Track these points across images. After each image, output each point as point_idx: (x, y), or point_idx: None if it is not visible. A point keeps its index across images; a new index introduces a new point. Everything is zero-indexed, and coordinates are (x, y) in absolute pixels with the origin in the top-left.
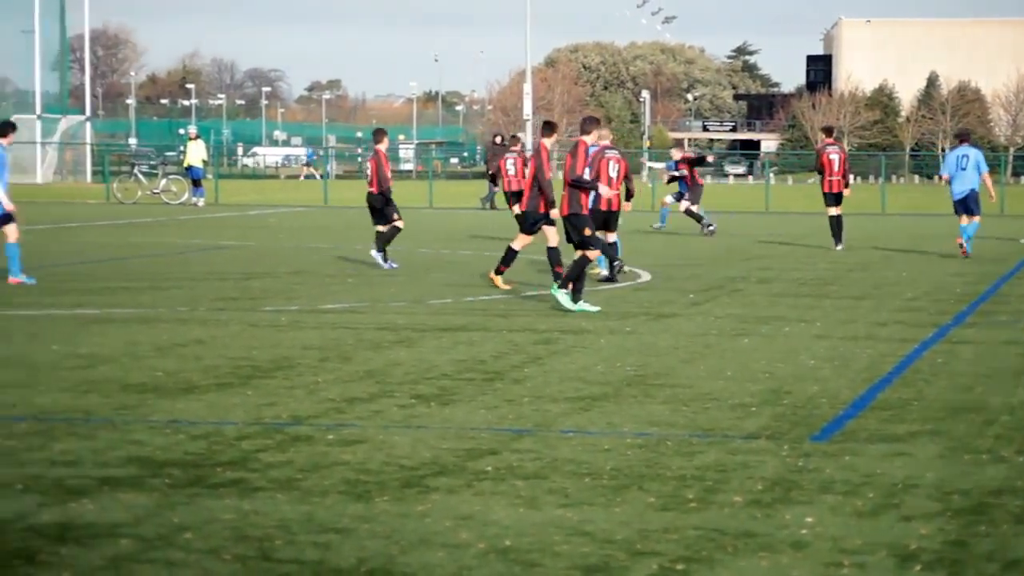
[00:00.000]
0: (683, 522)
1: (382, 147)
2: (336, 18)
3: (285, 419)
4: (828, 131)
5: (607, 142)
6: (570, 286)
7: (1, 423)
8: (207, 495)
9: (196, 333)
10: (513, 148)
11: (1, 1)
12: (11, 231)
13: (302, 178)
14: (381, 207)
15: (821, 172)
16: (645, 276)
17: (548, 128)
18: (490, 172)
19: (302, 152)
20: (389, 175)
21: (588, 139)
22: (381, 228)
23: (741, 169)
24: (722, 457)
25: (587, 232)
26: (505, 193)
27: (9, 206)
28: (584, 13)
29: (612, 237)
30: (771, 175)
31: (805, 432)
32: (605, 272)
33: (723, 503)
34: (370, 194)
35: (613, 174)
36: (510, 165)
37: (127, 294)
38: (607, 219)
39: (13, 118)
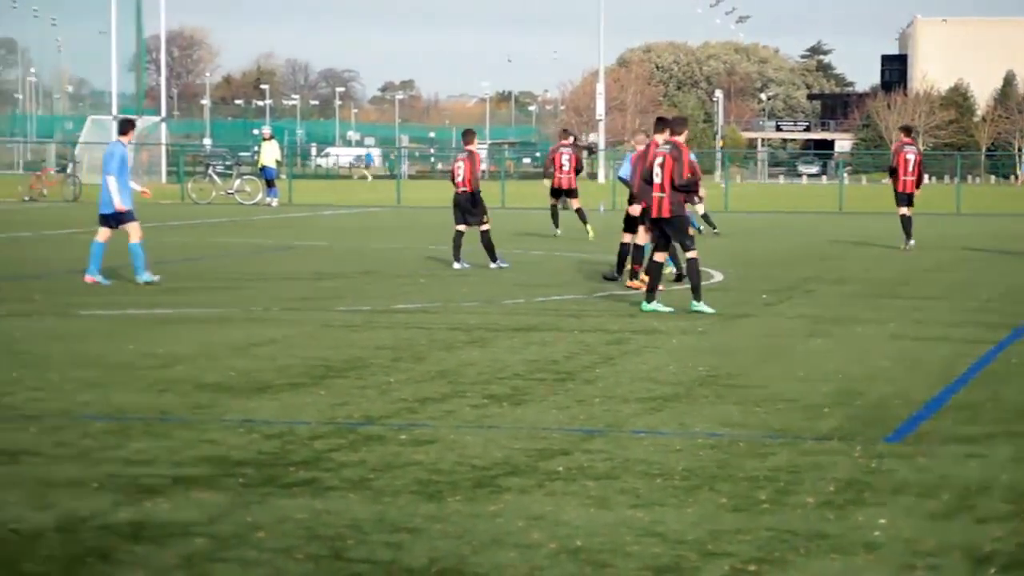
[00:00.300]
0: (755, 523)
1: (474, 147)
2: (410, 19)
3: (358, 419)
4: (907, 130)
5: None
6: (694, 293)
7: (78, 422)
8: (280, 494)
9: (270, 333)
10: (565, 143)
11: (79, 3)
12: (133, 230)
13: (356, 179)
14: (470, 206)
15: (894, 171)
16: (718, 276)
17: (663, 124)
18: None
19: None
20: (480, 175)
21: (681, 139)
22: (461, 227)
23: (815, 169)
24: (794, 458)
25: (691, 232)
26: (555, 189)
27: (121, 206)
28: (657, 13)
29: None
30: (845, 175)
31: (878, 433)
32: (674, 271)
33: (795, 504)
34: (460, 193)
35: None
36: (565, 160)
37: (203, 294)
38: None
39: (89, 119)
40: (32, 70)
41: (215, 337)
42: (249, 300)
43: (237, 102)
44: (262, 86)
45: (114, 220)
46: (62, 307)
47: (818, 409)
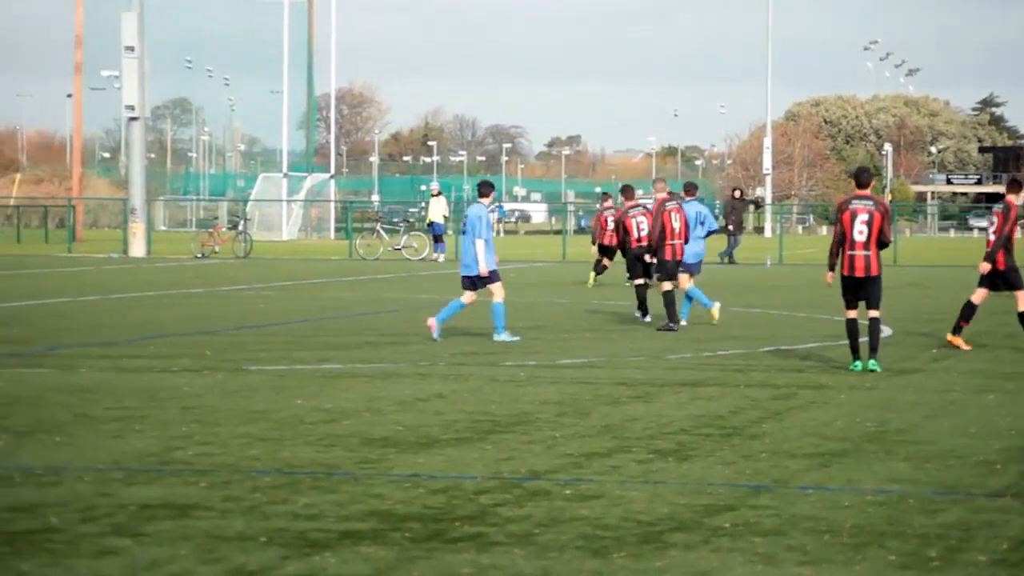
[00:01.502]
0: None
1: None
2: (576, 75)
3: (523, 474)
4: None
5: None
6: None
7: (247, 477)
8: (446, 549)
9: (436, 388)
10: (607, 205)
11: (251, 63)
12: (497, 290)
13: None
14: (641, 261)
15: None
16: (887, 331)
17: (1017, 186)
18: (599, 232)
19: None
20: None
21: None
22: (639, 281)
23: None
24: (966, 515)
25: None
26: (606, 246)
27: (485, 270)
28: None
29: (667, 285)
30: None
31: None
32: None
33: (967, 562)
34: (638, 247)
35: (676, 225)
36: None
37: (370, 349)
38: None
39: (260, 176)
40: (206, 129)
41: (382, 392)
42: (416, 355)
43: (405, 158)
44: (430, 143)
45: (480, 282)
46: (232, 362)
47: (990, 466)
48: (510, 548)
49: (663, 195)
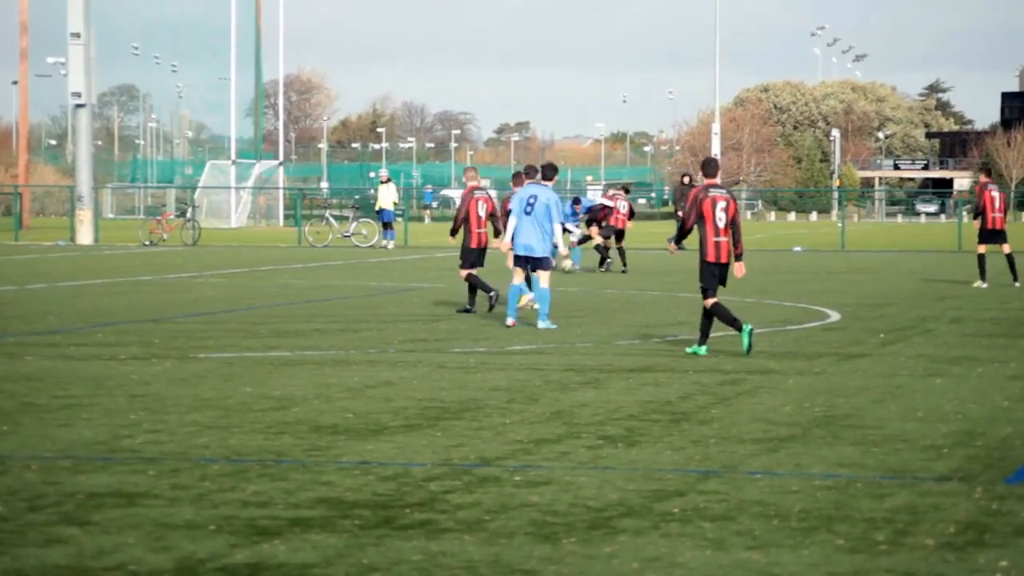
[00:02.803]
0: (873, 565)
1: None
2: (526, 61)
3: (473, 460)
4: (987, 171)
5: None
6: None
7: (195, 464)
8: (396, 536)
9: (386, 375)
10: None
11: (199, 49)
12: (544, 276)
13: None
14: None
15: (982, 211)
16: (834, 316)
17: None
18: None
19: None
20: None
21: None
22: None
23: (933, 208)
24: (913, 499)
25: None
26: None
27: (564, 249)
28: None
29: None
30: (964, 214)
31: (999, 474)
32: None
33: (914, 546)
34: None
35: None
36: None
37: (319, 336)
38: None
39: (208, 164)
40: (153, 116)
41: (331, 379)
42: (365, 342)
43: (354, 145)
44: (378, 129)
45: (536, 264)
46: (180, 350)
47: (937, 450)
48: (460, 535)
49: (474, 183)
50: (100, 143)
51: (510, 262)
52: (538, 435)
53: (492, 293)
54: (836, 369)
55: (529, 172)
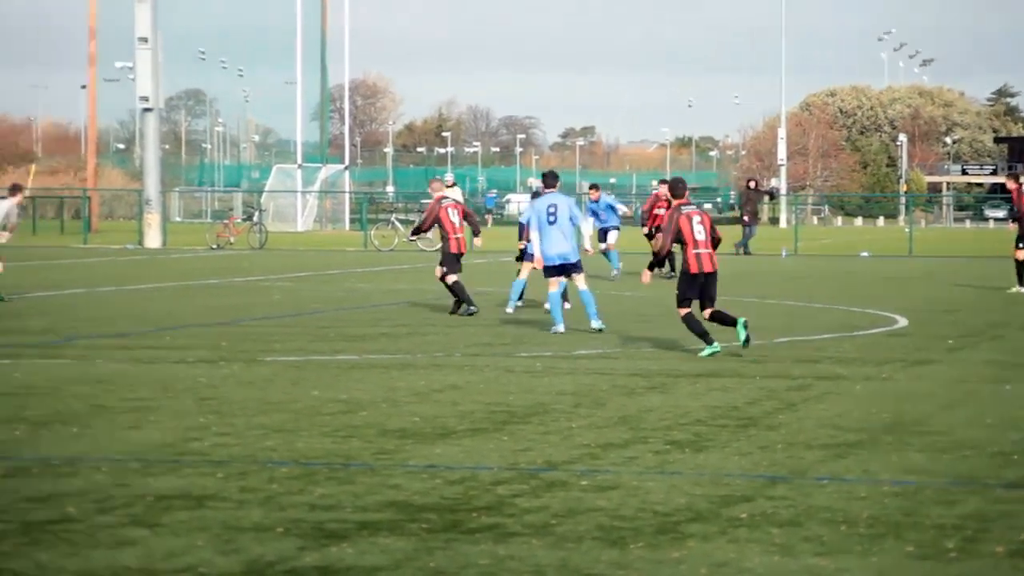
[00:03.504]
0: (942, 572)
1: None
2: (591, 65)
3: (540, 464)
4: (1014, 176)
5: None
6: None
7: (264, 467)
8: (463, 540)
9: (452, 379)
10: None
11: (265, 54)
12: (581, 279)
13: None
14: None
15: (1020, 216)
16: (902, 321)
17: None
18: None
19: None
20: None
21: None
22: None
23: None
24: (982, 506)
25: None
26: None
27: (591, 250)
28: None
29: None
30: None
31: None
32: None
33: (984, 553)
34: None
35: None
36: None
37: (386, 340)
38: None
39: (275, 168)
40: (220, 120)
41: (398, 383)
42: (432, 346)
43: (419, 149)
44: (444, 133)
45: (572, 269)
46: (248, 353)
47: (1007, 456)
48: (528, 539)
49: (439, 193)
50: (167, 147)
51: (543, 271)
52: (605, 439)
53: (473, 309)
54: (904, 375)
55: (548, 180)
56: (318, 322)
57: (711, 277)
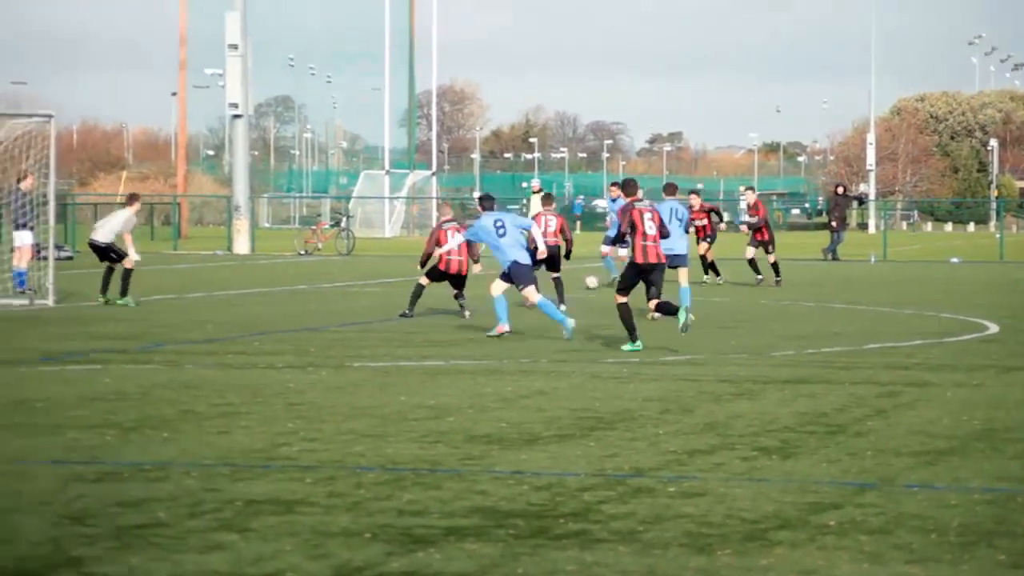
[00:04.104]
0: None
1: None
2: (679, 70)
3: (627, 471)
4: None
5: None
6: None
7: (352, 473)
8: (550, 546)
9: (539, 384)
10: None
11: (353, 60)
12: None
13: None
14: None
15: None
16: (992, 328)
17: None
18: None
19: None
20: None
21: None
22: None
23: None
24: None
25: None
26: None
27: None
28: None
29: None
30: None
31: None
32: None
33: None
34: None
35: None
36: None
37: (472, 345)
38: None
39: (362, 174)
40: (308, 126)
41: (485, 388)
42: (517, 351)
43: (506, 155)
44: (531, 139)
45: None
46: (336, 359)
47: None
48: (614, 545)
49: (445, 217)
50: (256, 153)
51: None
52: (692, 446)
53: (409, 314)
54: (995, 381)
55: (484, 202)
56: (405, 327)
57: (657, 268)
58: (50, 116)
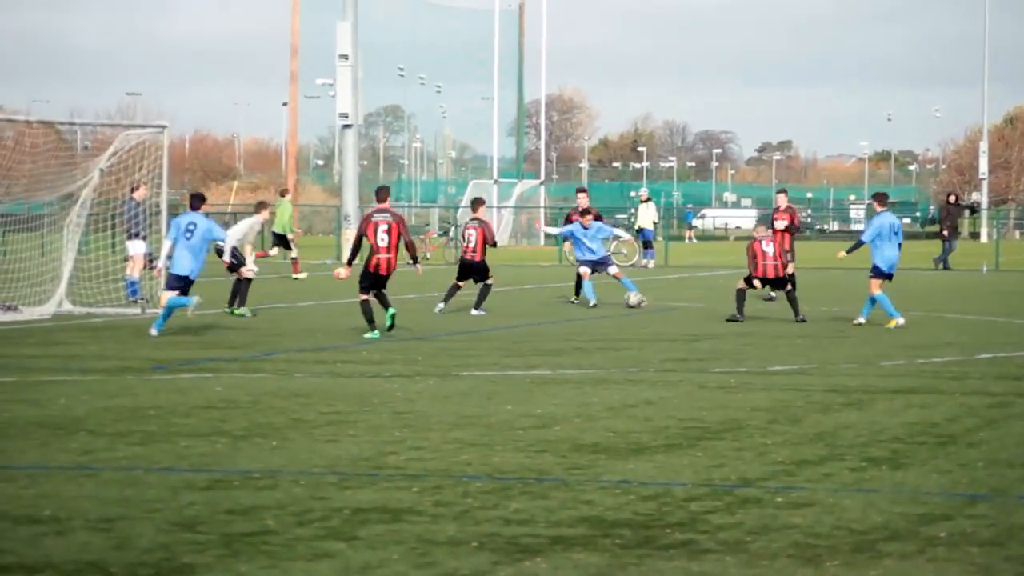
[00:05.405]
0: None
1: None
2: (788, 79)
3: (734, 481)
4: None
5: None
6: None
7: (458, 482)
8: (657, 556)
9: (646, 394)
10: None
11: (462, 70)
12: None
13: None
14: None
15: None
16: None
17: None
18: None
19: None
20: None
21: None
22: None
23: None
24: None
25: None
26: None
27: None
28: None
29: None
30: None
31: None
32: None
33: None
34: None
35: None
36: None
37: (579, 355)
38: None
39: (471, 183)
40: (417, 136)
41: (591, 398)
42: (625, 361)
43: (614, 164)
44: (639, 148)
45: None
46: (443, 368)
47: None
48: (721, 556)
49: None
50: (366, 163)
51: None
52: (800, 456)
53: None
54: None
55: (193, 201)
56: (512, 337)
57: (382, 278)
58: (163, 127)
